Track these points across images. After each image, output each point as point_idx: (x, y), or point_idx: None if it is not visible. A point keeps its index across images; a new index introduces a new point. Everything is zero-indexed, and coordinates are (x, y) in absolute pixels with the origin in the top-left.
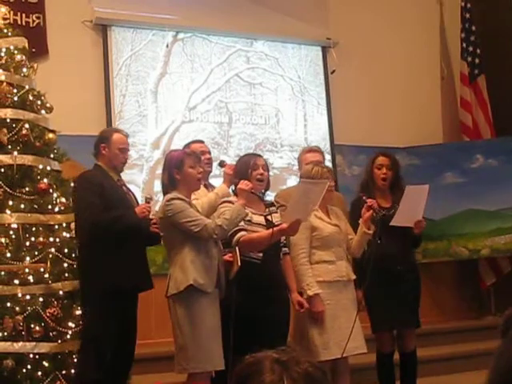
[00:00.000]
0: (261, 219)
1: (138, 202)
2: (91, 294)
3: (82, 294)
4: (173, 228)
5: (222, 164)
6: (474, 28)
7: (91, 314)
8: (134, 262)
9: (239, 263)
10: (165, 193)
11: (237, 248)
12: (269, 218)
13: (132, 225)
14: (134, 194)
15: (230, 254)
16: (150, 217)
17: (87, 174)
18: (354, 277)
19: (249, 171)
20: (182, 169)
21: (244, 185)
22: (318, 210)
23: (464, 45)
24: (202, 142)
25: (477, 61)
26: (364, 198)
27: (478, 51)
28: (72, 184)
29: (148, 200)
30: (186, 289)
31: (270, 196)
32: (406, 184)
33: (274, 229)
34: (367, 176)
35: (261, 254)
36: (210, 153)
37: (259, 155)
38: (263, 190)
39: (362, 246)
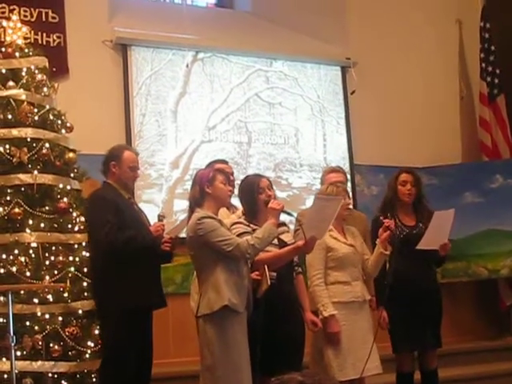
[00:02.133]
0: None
1: (149, 222)
2: (108, 314)
3: (98, 313)
4: (204, 247)
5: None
6: (493, 48)
7: (109, 334)
8: (149, 280)
9: (269, 282)
10: (192, 208)
11: (265, 266)
12: (281, 237)
13: (147, 244)
14: (145, 214)
15: (257, 272)
16: (164, 235)
17: (100, 192)
18: (369, 297)
19: (255, 195)
20: (214, 183)
21: (275, 204)
22: (333, 230)
23: (483, 64)
24: (226, 162)
25: (496, 80)
26: (381, 218)
27: (497, 71)
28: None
29: (161, 218)
30: (220, 309)
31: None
32: (428, 201)
33: (290, 246)
34: (391, 193)
35: (275, 274)
36: (233, 174)
37: (261, 176)
38: None
39: (378, 266)
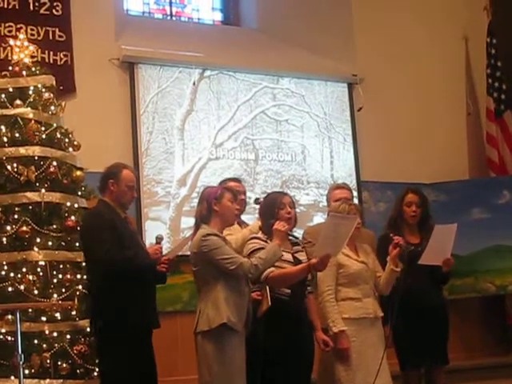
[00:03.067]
0: (289, 256)
1: (143, 242)
2: (105, 335)
3: (96, 334)
4: (207, 264)
5: (257, 201)
6: (499, 63)
7: (109, 360)
8: (145, 301)
9: (269, 303)
10: (197, 225)
11: (267, 287)
12: (296, 255)
13: (145, 266)
14: (137, 234)
15: (258, 293)
16: (162, 258)
17: (96, 209)
18: (381, 314)
19: (275, 210)
20: (221, 201)
21: (281, 225)
22: (345, 247)
23: (490, 80)
24: (239, 181)
25: (503, 96)
26: (391, 235)
27: (504, 87)
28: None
29: (159, 240)
30: (219, 327)
31: (298, 233)
32: (434, 221)
33: (303, 264)
34: (396, 213)
35: (289, 291)
36: (245, 193)
37: (285, 193)
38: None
39: (390, 283)
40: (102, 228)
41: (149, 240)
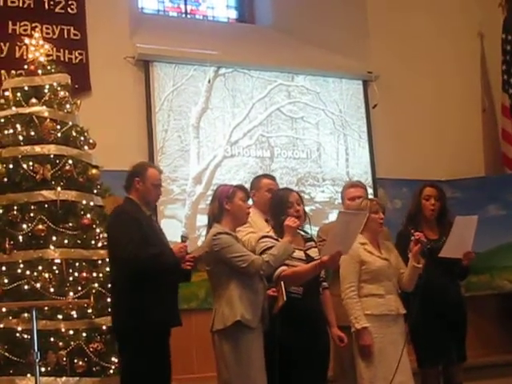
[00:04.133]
0: (301, 254)
1: (167, 240)
2: (126, 331)
3: (117, 331)
4: (219, 262)
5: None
6: None
7: (128, 354)
8: (169, 300)
9: (285, 298)
10: (210, 224)
11: (282, 283)
12: (308, 252)
13: (170, 264)
14: (163, 232)
15: (274, 289)
16: (188, 256)
17: (122, 207)
18: (403, 311)
19: (284, 210)
20: (233, 200)
21: (291, 222)
22: (367, 244)
23: (505, 77)
24: (274, 178)
25: None
26: (412, 231)
27: None
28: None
29: (184, 239)
30: (233, 324)
31: (313, 231)
32: (453, 216)
33: (314, 262)
34: (415, 207)
35: (301, 289)
36: None
37: (291, 190)
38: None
39: (412, 280)
40: (128, 226)
41: None
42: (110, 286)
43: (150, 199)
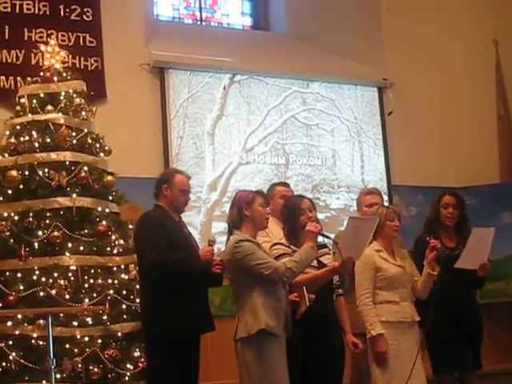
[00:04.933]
0: (313, 261)
1: (198, 246)
2: (156, 337)
3: (145, 336)
4: (242, 270)
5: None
6: None
7: (156, 358)
8: (198, 304)
9: (307, 303)
10: (230, 230)
11: (304, 288)
12: (321, 259)
13: (196, 268)
14: (194, 238)
15: (296, 294)
16: (214, 258)
17: (150, 214)
18: (418, 318)
19: (296, 217)
20: (252, 206)
21: (313, 227)
22: (382, 251)
23: None
24: (287, 185)
25: None
26: (428, 238)
27: None
28: (131, 225)
29: (211, 243)
30: (258, 333)
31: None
32: (471, 224)
33: (327, 267)
34: (433, 215)
35: (313, 296)
36: None
37: (303, 197)
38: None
39: (427, 287)
40: (154, 231)
41: None
42: (131, 292)
43: (178, 205)
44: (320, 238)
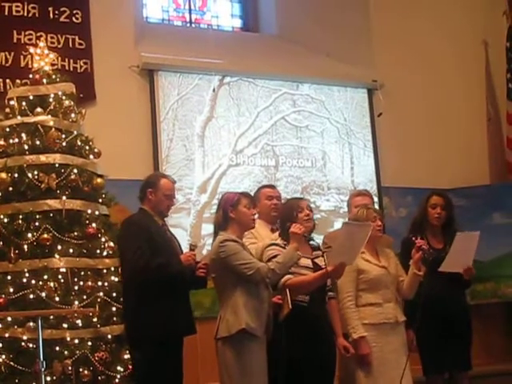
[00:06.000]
0: (308, 262)
1: (181, 248)
2: (138, 341)
3: (129, 340)
4: (225, 270)
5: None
6: None
7: (140, 362)
8: (179, 307)
9: (290, 306)
10: (216, 232)
11: (287, 291)
12: (316, 261)
13: (177, 273)
14: (177, 240)
15: (279, 297)
16: (197, 260)
17: (134, 218)
18: (402, 319)
19: (294, 214)
20: (237, 207)
21: (297, 228)
22: (365, 252)
23: (510, 85)
24: (273, 187)
25: None
26: (413, 239)
27: None
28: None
29: (193, 248)
30: (238, 332)
31: (318, 239)
32: (459, 225)
33: (318, 272)
34: (420, 215)
35: (307, 297)
36: (278, 198)
37: (303, 198)
38: (308, 233)
39: (413, 287)
40: (137, 236)
41: None
42: (121, 294)
43: (162, 209)
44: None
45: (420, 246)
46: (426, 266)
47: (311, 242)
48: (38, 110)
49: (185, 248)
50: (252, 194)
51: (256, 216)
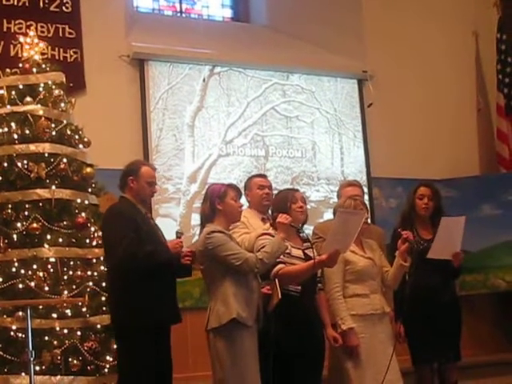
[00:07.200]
0: (299, 253)
1: (165, 238)
2: (125, 330)
3: (115, 328)
4: (213, 261)
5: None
6: (509, 59)
7: (126, 350)
8: (166, 296)
9: (279, 296)
10: (203, 224)
11: (276, 280)
12: (307, 251)
13: (164, 261)
14: (160, 230)
15: (268, 287)
16: (183, 250)
17: (118, 206)
18: (388, 309)
19: (288, 204)
20: (225, 200)
21: (283, 218)
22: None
23: (500, 76)
24: (264, 176)
25: None
26: (399, 230)
27: None
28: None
29: (179, 235)
30: (229, 322)
31: (308, 230)
32: (447, 215)
33: (311, 261)
34: (409, 206)
35: (299, 287)
36: (270, 187)
37: (297, 189)
38: (301, 224)
39: (397, 278)
40: (123, 224)
41: None
42: (106, 284)
43: (144, 197)
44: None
45: (406, 237)
46: (413, 257)
47: (301, 234)
48: (28, 99)
49: (169, 236)
50: (242, 184)
51: (245, 206)
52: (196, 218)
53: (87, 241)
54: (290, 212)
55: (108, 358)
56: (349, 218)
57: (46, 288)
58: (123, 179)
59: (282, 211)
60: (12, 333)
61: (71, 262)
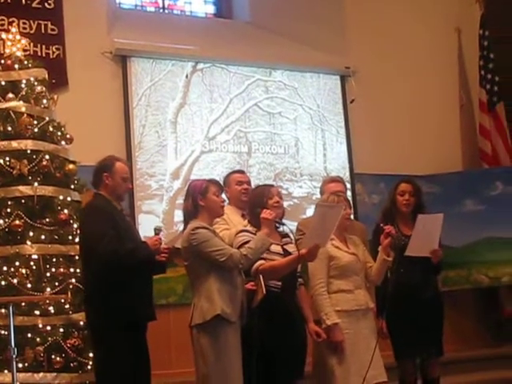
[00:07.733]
0: (278, 248)
1: (139, 233)
2: (102, 328)
3: (92, 327)
4: (197, 257)
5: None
6: (492, 55)
7: (103, 349)
8: (143, 293)
9: (264, 291)
10: (186, 220)
11: (260, 276)
12: (285, 247)
13: (145, 258)
14: (134, 225)
15: (252, 283)
16: (162, 247)
17: (95, 203)
18: (372, 305)
19: (264, 200)
20: (207, 195)
21: (267, 214)
22: (335, 239)
23: (482, 72)
24: (242, 172)
25: (495, 88)
26: (381, 225)
27: (497, 78)
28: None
29: (157, 232)
30: (213, 319)
31: (292, 226)
32: (428, 211)
33: (291, 256)
34: (390, 202)
35: (280, 283)
36: (248, 183)
37: (272, 185)
38: (279, 219)
39: (381, 273)
40: (102, 221)
41: (142, 233)
42: (83, 281)
43: (120, 193)
44: (282, 227)
45: (389, 232)
46: (395, 252)
47: (280, 229)
48: (10, 95)
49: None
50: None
51: (226, 202)
52: (179, 215)
53: (70, 237)
54: (266, 207)
55: (91, 354)
56: (327, 212)
57: (29, 285)
58: (97, 176)
59: (259, 207)
60: None
61: (54, 259)
